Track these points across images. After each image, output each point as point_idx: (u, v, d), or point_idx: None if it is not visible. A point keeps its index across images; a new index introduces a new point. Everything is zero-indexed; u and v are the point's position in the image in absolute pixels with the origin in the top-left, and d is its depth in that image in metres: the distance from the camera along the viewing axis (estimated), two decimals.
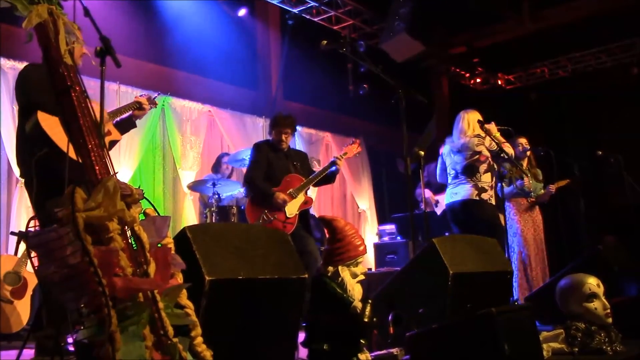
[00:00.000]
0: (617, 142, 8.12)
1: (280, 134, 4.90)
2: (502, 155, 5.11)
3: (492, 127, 5.17)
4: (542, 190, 5.99)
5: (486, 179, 5.17)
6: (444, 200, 5.55)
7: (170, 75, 7.45)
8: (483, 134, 5.11)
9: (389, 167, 10.00)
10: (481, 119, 5.19)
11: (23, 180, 3.52)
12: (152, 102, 4.01)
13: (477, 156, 5.13)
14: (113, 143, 3.59)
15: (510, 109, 10.71)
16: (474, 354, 2.33)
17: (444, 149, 5.43)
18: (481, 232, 4.80)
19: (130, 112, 3.79)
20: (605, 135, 9.84)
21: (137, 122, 3.90)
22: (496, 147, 5.06)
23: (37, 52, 2.15)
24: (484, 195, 5.12)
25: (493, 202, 5.21)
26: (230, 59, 7.93)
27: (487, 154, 5.15)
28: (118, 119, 3.76)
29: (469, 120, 5.24)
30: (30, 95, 3.20)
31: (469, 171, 5.18)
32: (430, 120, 10.10)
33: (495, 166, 5.27)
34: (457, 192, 5.21)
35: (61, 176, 2.85)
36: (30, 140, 3.13)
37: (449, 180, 5.34)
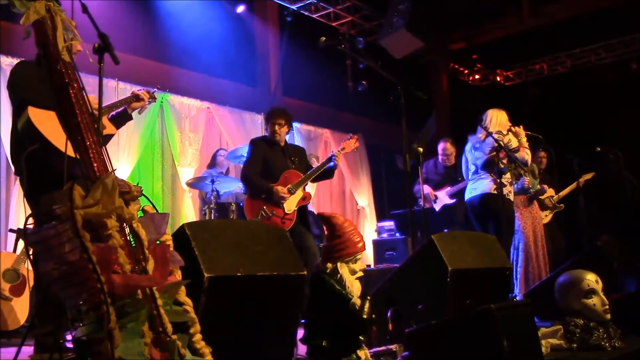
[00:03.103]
0: (617, 138, 8.10)
1: (274, 125, 4.85)
2: (510, 153, 5.13)
3: (520, 130, 5.25)
4: (539, 186, 6.03)
5: (506, 174, 5.23)
6: (443, 196, 5.58)
7: (168, 72, 7.44)
8: (505, 132, 5.18)
9: (388, 164, 9.99)
10: (507, 118, 5.29)
11: (19, 177, 3.51)
12: (152, 97, 3.98)
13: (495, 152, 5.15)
14: (108, 137, 3.55)
15: (509, 105, 10.69)
16: (473, 350, 2.34)
17: (467, 146, 5.50)
18: (499, 226, 4.89)
19: (126, 105, 3.77)
20: (604, 132, 9.82)
21: (136, 119, 3.87)
22: (515, 146, 5.14)
23: (36, 49, 2.14)
24: (504, 190, 5.16)
25: (512, 198, 5.29)
26: (228, 56, 7.92)
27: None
28: (114, 112, 3.74)
29: (492, 117, 5.31)
30: (20, 92, 3.19)
31: (489, 166, 5.21)
32: (430, 117, 10.08)
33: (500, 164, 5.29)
34: (477, 187, 5.27)
35: (51, 171, 2.85)
36: (22, 137, 3.13)
37: (469, 176, 5.41)
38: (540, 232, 5.92)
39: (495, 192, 5.11)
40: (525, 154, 5.21)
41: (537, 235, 5.88)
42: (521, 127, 5.30)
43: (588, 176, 6.60)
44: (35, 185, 3.09)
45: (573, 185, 6.62)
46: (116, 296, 1.73)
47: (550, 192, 6.56)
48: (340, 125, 9.31)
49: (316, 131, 9.08)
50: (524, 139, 5.23)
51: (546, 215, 6.52)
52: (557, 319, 3.24)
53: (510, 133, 5.20)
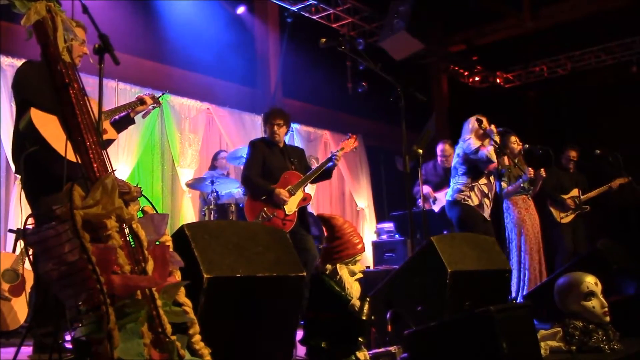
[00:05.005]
0: (616, 141, 8.12)
1: (273, 125, 4.85)
2: (473, 156, 5.21)
3: (492, 128, 5.27)
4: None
5: (463, 180, 5.30)
6: (443, 198, 5.61)
7: (168, 72, 7.44)
8: (467, 136, 5.26)
9: (388, 165, 10.00)
10: (476, 123, 5.25)
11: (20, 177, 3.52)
12: (156, 101, 3.98)
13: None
14: (108, 142, 3.56)
15: (509, 108, 10.72)
16: (472, 352, 2.34)
17: None
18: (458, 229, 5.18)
19: (129, 110, 3.77)
20: (604, 134, 9.84)
21: (136, 120, 3.87)
22: (476, 146, 5.17)
23: (37, 49, 2.15)
24: (458, 196, 5.27)
25: (470, 202, 5.25)
26: (229, 57, 7.91)
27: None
28: (116, 117, 3.74)
29: (468, 124, 5.37)
30: (24, 93, 3.20)
31: (452, 173, 5.43)
32: (429, 119, 10.10)
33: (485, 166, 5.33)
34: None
35: (50, 173, 2.85)
36: (23, 137, 3.13)
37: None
38: (538, 234, 5.92)
39: (451, 198, 5.32)
40: (488, 152, 5.12)
41: (535, 233, 5.88)
42: (493, 125, 5.27)
43: (622, 180, 6.49)
44: (33, 186, 3.10)
45: (603, 188, 6.55)
46: (116, 297, 1.73)
47: (574, 192, 6.52)
48: (340, 127, 9.30)
49: (316, 132, 9.08)
50: (496, 137, 5.20)
51: (567, 215, 6.47)
52: (556, 321, 3.24)
53: (473, 136, 5.23)
